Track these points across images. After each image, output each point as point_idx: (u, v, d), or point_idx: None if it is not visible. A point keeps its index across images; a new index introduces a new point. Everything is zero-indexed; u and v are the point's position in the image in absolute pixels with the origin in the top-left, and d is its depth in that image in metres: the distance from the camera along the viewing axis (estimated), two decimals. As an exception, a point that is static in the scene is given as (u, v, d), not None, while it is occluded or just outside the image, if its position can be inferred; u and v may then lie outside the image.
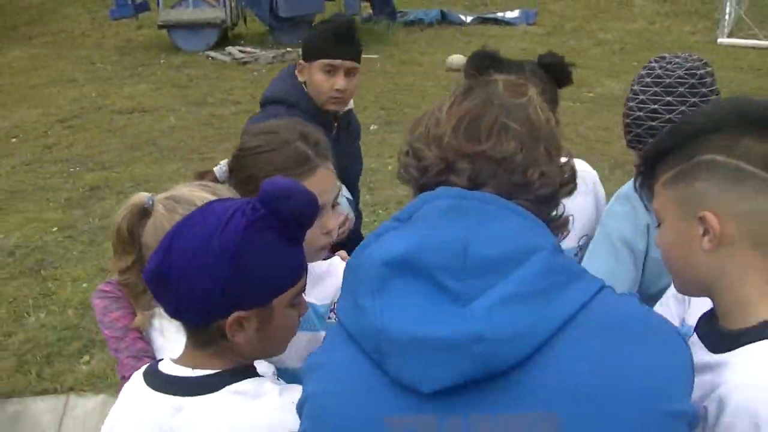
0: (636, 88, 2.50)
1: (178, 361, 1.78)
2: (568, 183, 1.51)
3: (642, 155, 1.63)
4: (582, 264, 2.52)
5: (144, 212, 2.11)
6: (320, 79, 3.38)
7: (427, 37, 14.52)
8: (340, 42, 3.38)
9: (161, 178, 7.92)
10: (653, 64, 2.50)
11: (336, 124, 3.53)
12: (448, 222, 1.37)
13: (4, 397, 4.80)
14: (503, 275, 1.31)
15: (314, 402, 1.44)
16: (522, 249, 1.34)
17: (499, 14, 15.82)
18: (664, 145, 1.58)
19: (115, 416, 1.83)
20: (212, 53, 13.70)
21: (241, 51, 13.77)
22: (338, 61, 3.37)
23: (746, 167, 1.48)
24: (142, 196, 2.14)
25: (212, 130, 9.77)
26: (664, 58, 2.52)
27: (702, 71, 2.42)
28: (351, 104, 3.64)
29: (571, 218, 1.54)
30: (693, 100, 2.38)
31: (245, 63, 13.28)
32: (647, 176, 1.62)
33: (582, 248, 2.66)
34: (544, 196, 1.45)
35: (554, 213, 1.50)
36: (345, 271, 1.47)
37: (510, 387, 1.30)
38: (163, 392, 1.73)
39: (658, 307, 2.18)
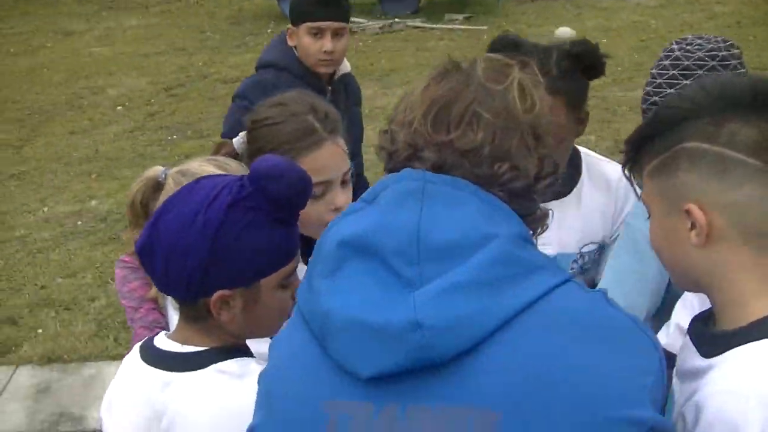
0: (654, 71, 2.35)
1: (171, 335, 1.78)
2: (546, 177, 1.41)
3: (626, 142, 1.51)
4: (607, 265, 2.40)
5: (158, 185, 2.12)
6: (308, 42, 3.41)
7: (537, 8, 14.26)
8: (324, 3, 3.39)
9: (256, 148, 7.99)
10: (673, 46, 2.34)
11: (330, 88, 3.52)
12: (407, 204, 1.32)
13: (81, 360, 4.95)
14: (457, 262, 1.26)
15: (267, 378, 1.44)
16: (479, 236, 1.28)
17: (613, -15, 15.40)
18: (646, 132, 1.46)
19: (113, 390, 1.84)
20: (320, 23, 13.74)
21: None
22: (324, 23, 3.39)
23: (731, 154, 1.35)
24: (157, 170, 2.15)
25: (313, 100, 9.80)
26: (685, 39, 2.36)
27: (724, 53, 2.25)
28: (348, 68, 3.66)
29: (550, 213, 1.46)
30: None
31: (352, 33, 13.26)
32: (633, 164, 1.50)
33: (583, 255, 2.49)
34: (517, 189, 1.36)
35: (533, 207, 1.42)
36: (313, 251, 1.44)
37: (450, 378, 1.24)
38: (154, 366, 1.74)
39: (680, 302, 2.08)
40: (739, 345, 1.35)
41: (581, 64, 2.23)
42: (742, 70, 2.26)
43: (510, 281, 1.26)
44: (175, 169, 2.13)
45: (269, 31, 13.12)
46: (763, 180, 1.35)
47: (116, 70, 11.66)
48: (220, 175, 1.79)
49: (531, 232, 1.42)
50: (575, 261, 2.47)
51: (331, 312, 1.30)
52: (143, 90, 10.57)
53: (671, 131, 1.41)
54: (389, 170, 1.43)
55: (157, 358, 1.75)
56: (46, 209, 7.15)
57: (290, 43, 3.48)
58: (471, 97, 1.37)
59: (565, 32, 11.81)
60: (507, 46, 2.21)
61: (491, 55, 1.48)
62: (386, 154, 1.44)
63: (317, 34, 3.39)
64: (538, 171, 1.39)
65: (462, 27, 12.97)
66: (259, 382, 1.47)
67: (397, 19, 13.72)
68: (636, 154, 1.48)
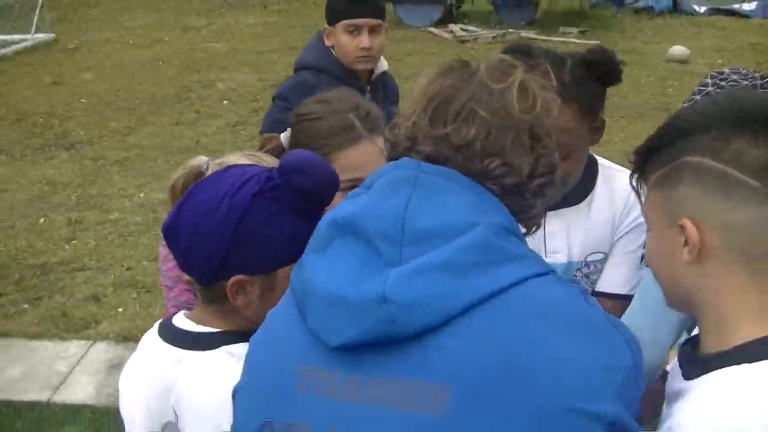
0: (686, 105, 2.28)
1: (189, 315, 1.83)
2: (540, 176, 1.43)
3: (634, 152, 1.48)
4: (639, 288, 2.32)
5: (200, 174, 2.18)
6: (345, 40, 3.41)
7: (654, 25, 14.01)
8: (359, 1, 3.40)
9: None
10: (707, 80, 2.26)
11: (369, 88, 3.51)
12: (398, 191, 1.37)
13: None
14: (436, 246, 1.30)
15: (254, 345, 1.52)
16: (463, 223, 1.32)
17: (735, 5, 14.93)
18: (653, 143, 1.42)
19: (131, 364, 1.89)
20: (433, 29, 13.78)
21: (462, 29, 13.78)
22: (360, 20, 3.39)
23: (734, 174, 1.29)
24: (200, 159, 2.24)
25: (414, 104, 9.82)
26: (721, 73, 2.26)
27: (759, 92, 2.15)
28: (385, 66, 3.63)
29: (543, 212, 1.48)
30: None
31: (464, 41, 13.28)
32: (641, 175, 1.47)
33: (589, 264, 2.42)
34: (509, 185, 1.40)
35: (527, 205, 1.44)
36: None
37: (412, 353, 1.29)
38: (169, 343, 1.79)
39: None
40: (718, 368, 1.30)
41: (596, 72, 2.16)
42: None
43: (485, 267, 1.29)
44: (216, 161, 2.20)
45: (381, 35, 13.18)
46: (765, 204, 1.30)
47: (229, 65, 11.89)
48: (249, 165, 1.84)
49: (525, 230, 1.46)
50: (579, 269, 2.42)
51: (311, 284, 1.37)
52: (252, 86, 10.76)
53: (678, 143, 1.37)
54: (389, 160, 1.50)
55: (172, 336, 1.80)
56: (141, 195, 7.35)
57: (327, 43, 3.50)
58: (469, 94, 1.42)
59: (679, 51, 11.59)
60: (518, 51, 2.13)
61: (500, 55, 1.51)
62: (389, 145, 1.51)
63: (354, 31, 3.40)
64: (531, 170, 1.41)
65: (576, 41, 12.83)
66: (249, 348, 1.54)
67: (510, 30, 13.66)
68: (643, 164, 1.45)
